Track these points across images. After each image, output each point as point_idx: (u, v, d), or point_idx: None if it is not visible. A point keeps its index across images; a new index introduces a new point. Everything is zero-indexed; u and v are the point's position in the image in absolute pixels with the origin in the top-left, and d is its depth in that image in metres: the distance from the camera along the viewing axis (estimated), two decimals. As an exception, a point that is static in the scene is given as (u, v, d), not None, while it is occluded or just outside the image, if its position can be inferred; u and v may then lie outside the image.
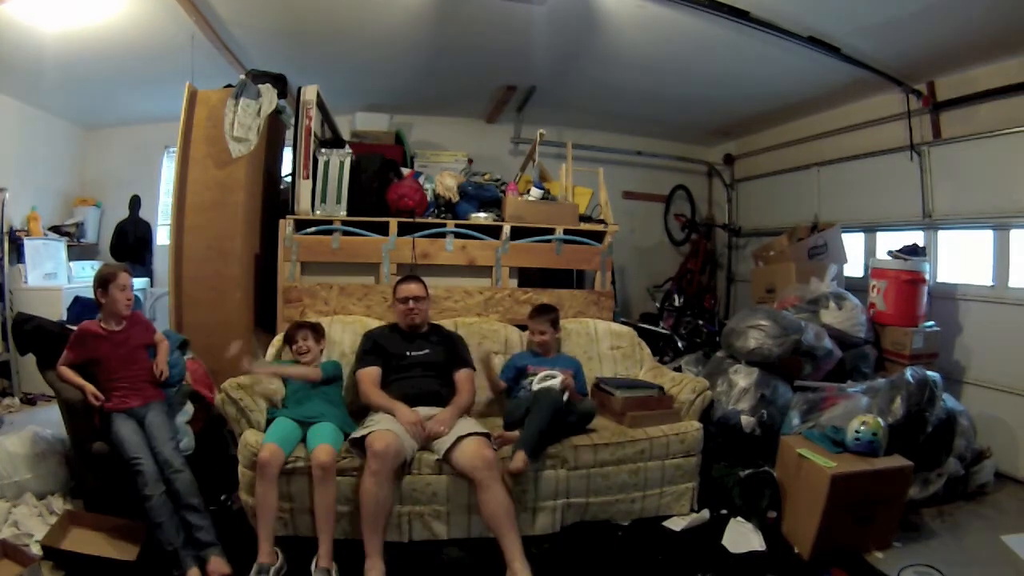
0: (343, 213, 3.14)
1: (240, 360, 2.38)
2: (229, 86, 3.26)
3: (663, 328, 4.46)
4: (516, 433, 2.31)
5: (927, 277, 3.34)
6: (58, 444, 2.49)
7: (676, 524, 2.45)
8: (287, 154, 3.72)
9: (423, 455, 2.21)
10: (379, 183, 3.26)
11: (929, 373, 2.69)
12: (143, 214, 4.89)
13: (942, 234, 3.59)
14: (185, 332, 2.94)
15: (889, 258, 3.43)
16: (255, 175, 3.26)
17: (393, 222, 3.13)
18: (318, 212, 3.12)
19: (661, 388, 2.71)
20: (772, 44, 3.13)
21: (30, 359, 2.56)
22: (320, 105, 3.31)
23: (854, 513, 2.22)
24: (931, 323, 3.30)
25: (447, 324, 2.84)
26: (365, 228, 3.13)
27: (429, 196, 3.36)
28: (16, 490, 2.34)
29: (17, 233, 4.13)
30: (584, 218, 3.57)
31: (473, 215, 3.31)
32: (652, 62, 3.63)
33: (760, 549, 2.28)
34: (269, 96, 3.18)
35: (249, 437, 2.17)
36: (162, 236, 4.92)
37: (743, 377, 2.85)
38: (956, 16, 2.74)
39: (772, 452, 2.55)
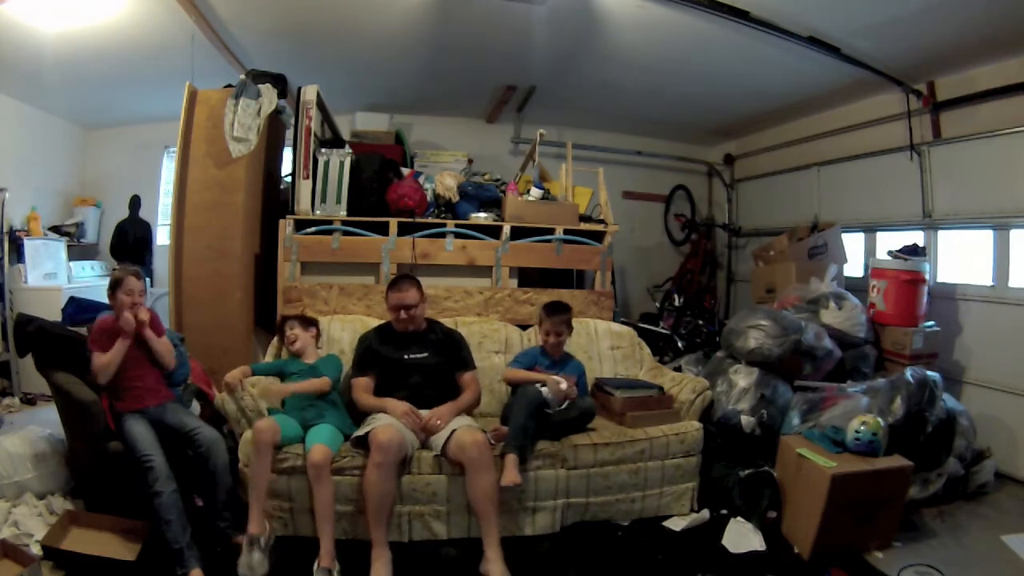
0: (343, 213, 3.14)
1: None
2: (229, 86, 3.27)
3: (663, 328, 4.45)
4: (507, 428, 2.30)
5: (927, 277, 3.34)
6: (58, 444, 2.49)
7: (676, 524, 2.46)
8: (287, 154, 3.73)
9: (422, 454, 2.22)
10: (379, 183, 3.26)
11: (929, 373, 2.70)
12: (143, 214, 4.88)
13: (942, 234, 3.58)
14: (185, 332, 2.94)
15: (889, 258, 3.42)
16: (255, 175, 3.27)
17: (393, 222, 3.13)
18: (318, 212, 3.12)
19: (661, 388, 2.71)
20: (772, 44, 3.12)
21: (30, 359, 2.55)
22: (320, 105, 3.31)
23: (854, 513, 2.22)
24: (931, 323, 3.30)
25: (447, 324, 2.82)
26: (365, 228, 3.13)
27: (429, 196, 3.36)
28: (16, 490, 2.34)
29: (17, 233, 4.12)
30: (584, 218, 3.57)
31: (473, 215, 3.32)
32: (652, 62, 3.63)
33: (760, 549, 2.28)
34: (269, 96, 3.18)
35: (250, 436, 2.17)
36: (162, 236, 4.91)
37: (743, 377, 2.85)
38: (956, 16, 2.74)
39: (772, 452, 2.56)
